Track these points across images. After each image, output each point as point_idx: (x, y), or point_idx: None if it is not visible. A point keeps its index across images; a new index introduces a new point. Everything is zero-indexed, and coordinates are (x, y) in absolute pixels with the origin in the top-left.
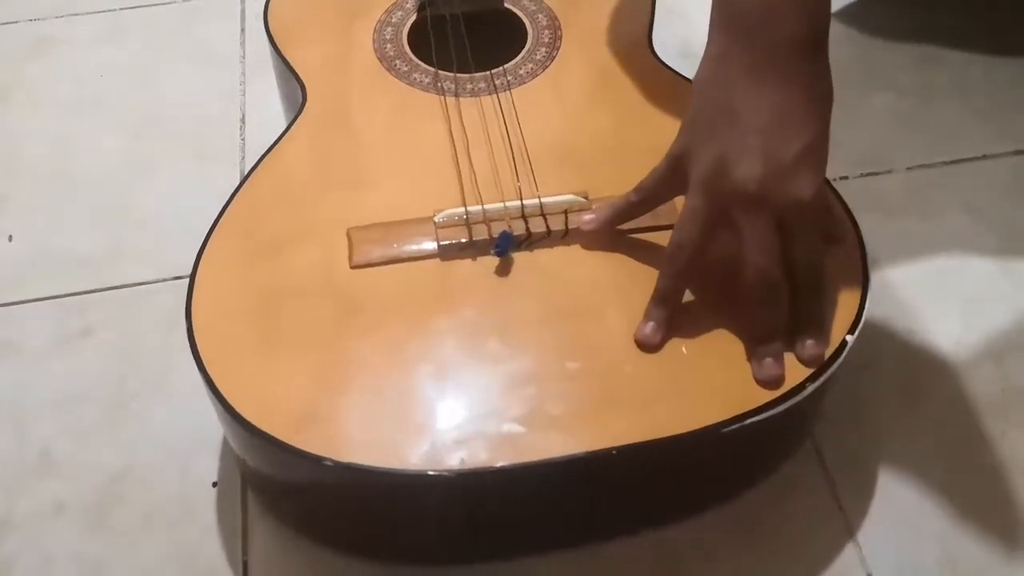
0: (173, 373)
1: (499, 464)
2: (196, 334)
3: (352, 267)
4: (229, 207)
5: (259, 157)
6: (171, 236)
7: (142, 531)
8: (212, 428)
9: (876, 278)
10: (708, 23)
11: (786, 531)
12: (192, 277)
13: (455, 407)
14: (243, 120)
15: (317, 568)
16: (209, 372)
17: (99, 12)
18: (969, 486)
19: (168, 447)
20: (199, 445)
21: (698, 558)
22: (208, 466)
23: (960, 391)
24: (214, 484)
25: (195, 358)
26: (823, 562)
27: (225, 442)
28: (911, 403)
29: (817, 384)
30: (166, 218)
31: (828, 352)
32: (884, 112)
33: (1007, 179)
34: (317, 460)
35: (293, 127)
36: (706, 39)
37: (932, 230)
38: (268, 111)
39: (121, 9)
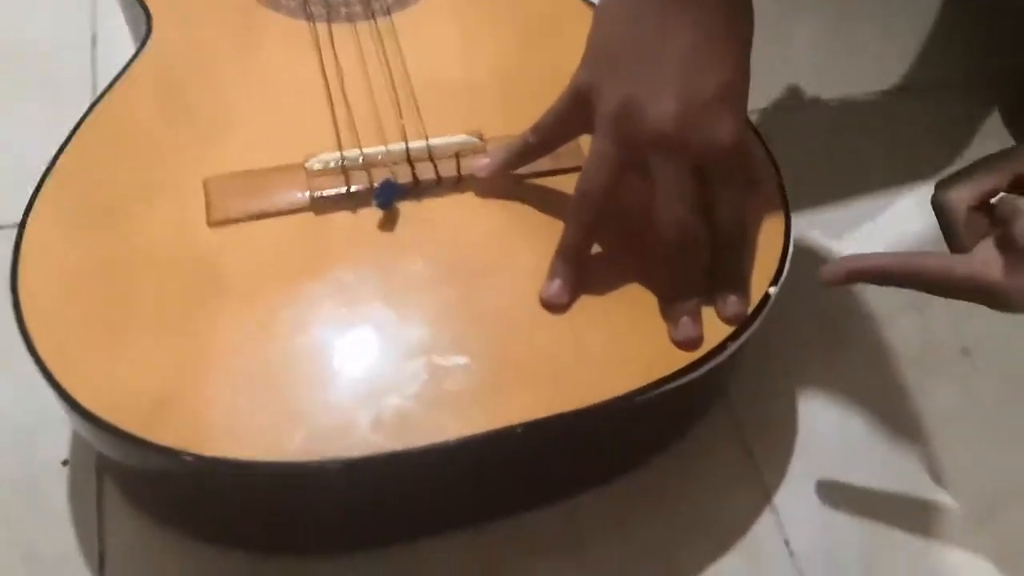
0: (11, 337)
1: (387, 450)
2: (24, 308)
3: (210, 224)
4: (59, 158)
5: (98, 95)
6: (7, 177)
7: None
8: None
9: (795, 222)
10: None
11: (699, 497)
12: (18, 242)
13: (335, 386)
14: (94, 42)
15: (185, 559)
16: (41, 354)
17: None
18: (888, 441)
19: (10, 423)
20: (47, 419)
21: (605, 529)
22: (57, 443)
23: (880, 343)
24: (64, 463)
25: (23, 337)
26: (739, 530)
27: None
28: (830, 355)
29: (739, 342)
30: (4, 158)
31: (750, 308)
32: (805, 40)
33: (932, 112)
34: (175, 455)
35: (135, 62)
36: None
37: (853, 167)
38: (125, 31)
39: None
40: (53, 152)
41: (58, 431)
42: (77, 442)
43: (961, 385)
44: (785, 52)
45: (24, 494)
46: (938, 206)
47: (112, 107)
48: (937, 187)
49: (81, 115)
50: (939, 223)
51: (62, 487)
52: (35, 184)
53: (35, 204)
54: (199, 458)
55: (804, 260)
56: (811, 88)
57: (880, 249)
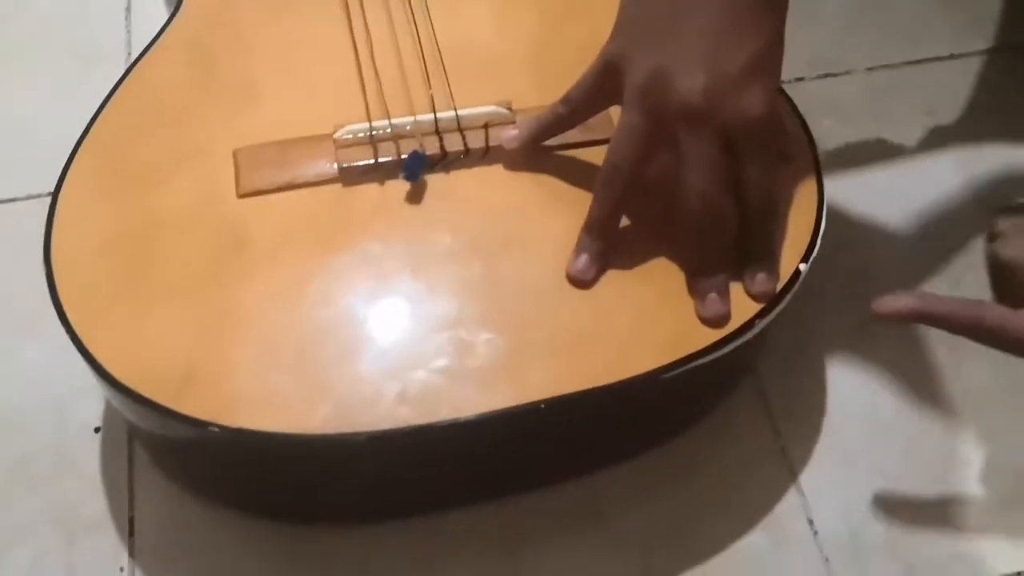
0: (45, 305)
1: (413, 424)
2: (57, 278)
3: (239, 195)
4: (93, 126)
5: (131, 63)
6: (44, 148)
7: (13, 486)
8: None
9: (829, 192)
10: None
11: (724, 474)
12: (51, 210)
13: (362, 359)
14: (128, 9)
15: (213, 526)
16: (73, 324)
17: None
18: (917, 421)
19: (42, 390)
20: (78, 387)
21: (628, 503)
22: (89, 410)
23: None
24: (96, 430)
25: (56, 307)
26: (763, 507)
27: None
28: (860, 332)
29: (767, 320)
30: (38, 127)
31: (780, 284)
32: (840, 8)
33: (975, 80)
34: (201, 425)
35: (167, 30)
36: None
37: (891, 137)
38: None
39: None
40: (87, 121)
41: (92, 397)
42: (109, 410)
43: (994, 364)
44: (820, 20)
45: (58, 458)
46: (995, 263)
47: (143, 76)
48: (992, 239)
49: (115, 82)
50: (990, 276)
51: (94, 453)
52: (68, 153)
53: (68, 174)
54: (225, 429)
55: (837, 235)
56: (847, 57)
57: (914, 224)
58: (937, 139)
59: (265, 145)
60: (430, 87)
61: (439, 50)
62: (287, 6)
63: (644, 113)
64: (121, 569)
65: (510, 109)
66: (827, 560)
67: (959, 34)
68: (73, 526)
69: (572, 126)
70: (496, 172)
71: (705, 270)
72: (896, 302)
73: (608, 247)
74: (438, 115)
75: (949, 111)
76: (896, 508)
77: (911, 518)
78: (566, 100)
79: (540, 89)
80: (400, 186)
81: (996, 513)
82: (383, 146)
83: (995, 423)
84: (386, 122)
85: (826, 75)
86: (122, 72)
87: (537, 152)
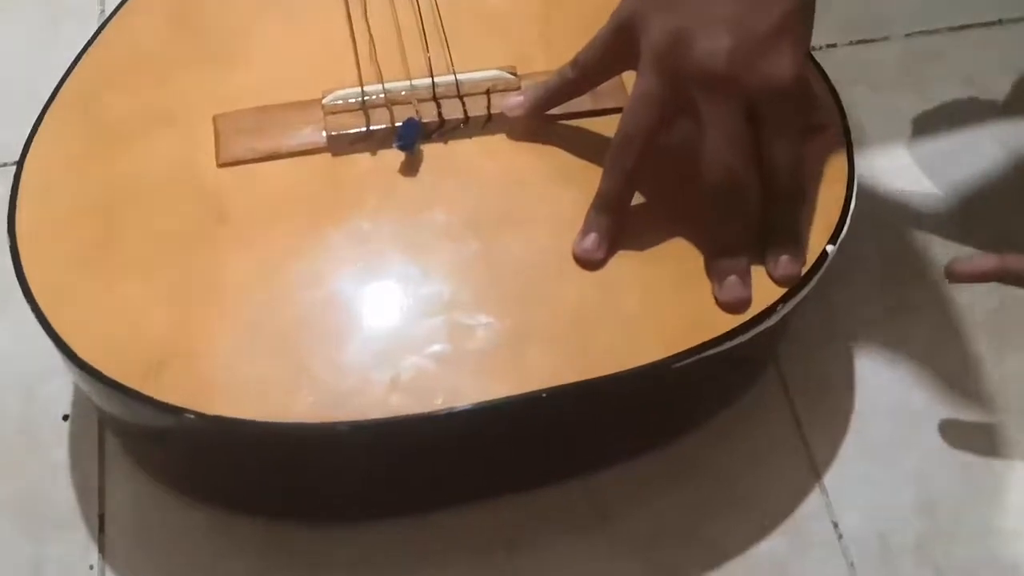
0: (13, 281)
1: (404, 413)
2: (22, 252)
3: (220, 165)
4: (64, 84)
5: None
6: (9, 111)
7: None
8: None
9: (860, 166)
10: None
11: (740, 472)
12: (17, 176)
13: (349, 343)
14: None
15: (188, 522)
16: (38, 301)
17: None
18: (953, 417)
19: (10, 371)
20: (49, 369)
21: (634, 503)
22: (59, 395)
23: (949, 305)
24: (65, 417)
25: (21, 283)
26: (783, 509)
27: None
28: (892, 319)
29: (791, 305)
30: (4, 89)
31: (805, 267)
32: None
33: (1010, 47)
34: (177, 412)
35: None
36: None
37: (928, 108)
38: None
39: None
40: (56, 81)
41: (62, 382)
42: (79, 395)
43: None
44: None
45: (24, 447)
46: None
47: (117, 34)
48: None
49: (86, 41)
50: None
51: (63, 442)
52: (36, 116)
53: (34, 139)
54: (201, 416)
55: (868, 214)
56: (884, 22)
57: (952, 200)
58: (978, 111)
59: (247, 111)
60: (427, 49)
61: (438, 9)
62: None
63: (661, 78)
64: (91, 567)
65: (514, 74)
66: (852, 565)
67: (994, 2)
68: (40, 521)
69: (582, 92)
70: (498, 142)
71: (725, 250)
72: (975, 263)
73: (619, 225)
74: (436, 80)
75: (992, 81)
76: (927, 510)
77: (943, 521)
78: (575, 64)
79: (547, 52)
80: (394, 156)
81: None
82: (376, 113)
83: None
84: (379, 87)
85: (861, 41)
86: (94, 30)
87: (543, 121)
